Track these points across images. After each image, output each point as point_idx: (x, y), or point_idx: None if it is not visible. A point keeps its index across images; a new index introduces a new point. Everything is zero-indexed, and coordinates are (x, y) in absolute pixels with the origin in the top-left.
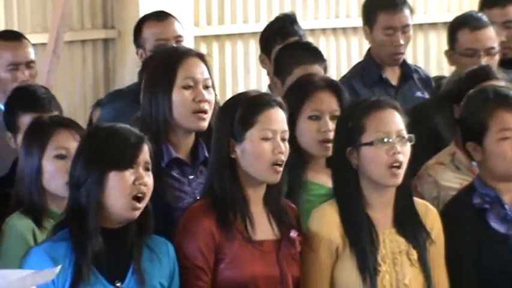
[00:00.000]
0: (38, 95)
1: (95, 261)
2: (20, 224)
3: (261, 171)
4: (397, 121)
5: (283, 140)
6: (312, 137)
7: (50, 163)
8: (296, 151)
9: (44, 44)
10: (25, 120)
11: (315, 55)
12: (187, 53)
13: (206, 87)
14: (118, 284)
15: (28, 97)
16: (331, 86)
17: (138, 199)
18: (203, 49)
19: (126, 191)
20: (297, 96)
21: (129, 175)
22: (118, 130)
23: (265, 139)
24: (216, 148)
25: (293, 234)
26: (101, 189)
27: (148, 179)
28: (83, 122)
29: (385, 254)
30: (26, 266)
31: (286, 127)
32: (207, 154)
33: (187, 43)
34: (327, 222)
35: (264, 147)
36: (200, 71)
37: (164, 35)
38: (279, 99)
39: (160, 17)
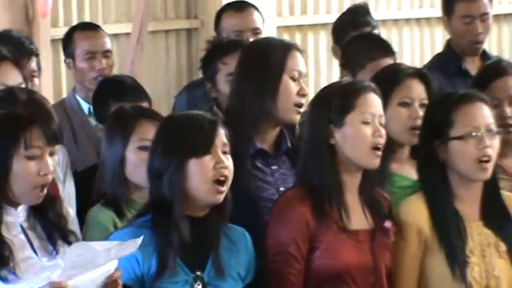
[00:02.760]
0: (128, 85)
1: (178, 249)
2: (101, 215)
3: (362, 155)
4: (485, 114)
5: (381, 124)
6: (401, 124)
7: (133, 154)
8: None
9: (127, 34)
10: None
11: (385, 49)
12: (291, 46)
13: (304, 83)
14: (198, 273)
15: (118, 87)
16: (420, 74)
17: (220, 183)
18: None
19: (207, 176)
20: (385, 84)
21: (208, 160)
22: (192, 117)
23: (365, 122)
24: (314, 136)
25: (387, 224)
26: (183, 178)
27: (228, 161)
28: (166, 112)
29: (473, 247)
30: None
31: (382, 112)
32: (289, 145)
33: (270, 33)
34: (416, 214)
35: (364, 131)
36: (302, 65)
37: (241, 27)
38: (373, 84)
39: (240, 7)
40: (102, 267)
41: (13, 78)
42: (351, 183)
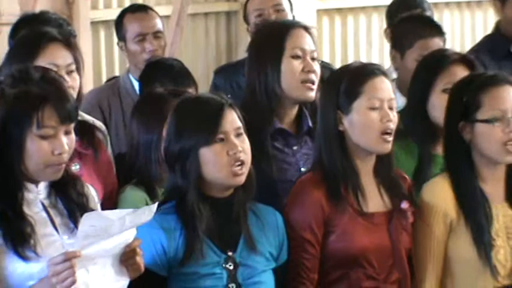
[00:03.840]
0: (176, 69)
1: (206, 231)
2: (133, 195)
3: (371, 141)
4: None
5: (390, 108)
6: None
7: None
8: (427, 125)
9: (167, 17)
10: None
11: (434, 28)
12: (293, 24)
13: (313, 58)
14: (230, 253)
15: (165, 71)
16: (464, 59)
17: (238, 166)
18: (325, 23)
19: (222, 163)
20: (429, 70)
21: (220, 147)
22: (199, 101)
23: (373, 108)
24: (323, 121)
25: (404, 205)
26: (196, 166)
27: (243, 144)
28: None
29: (499, 229)
30: (138, 235)
31: (392, 95)
32: (310, 124)
33: (310, 17)
34: (441, 195)
35: (372, 117)
36: (307, 42)
37: (261, 5)
38: (383, 67)
39: None
40: (119, 236)
41: (62, 58)
42: (365, 166)
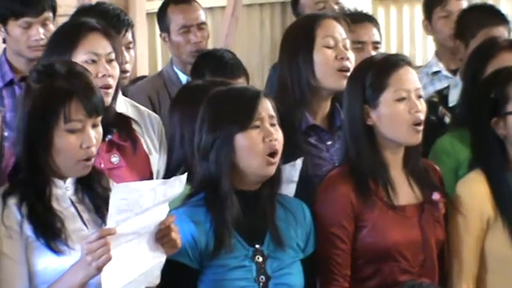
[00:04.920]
0: (226, 60)
1: (234, 224)
2: None
3: (401, 133)
4: None
5: (418, 97)
6: None
7: None
8: None
9: (223, 7)
10: None
11: (498, 17)
12: (324, 15)
13: (345, 47)
14: (257, 246)
15: (216, 62)
16: None
17: (271, 155)
18: (380, 12)
19: (257, 150)
20: (480, 58)
21: (256, 134)
22: (234, 91)
23: (400, 100)
24: (350, 116)
25: (435, 196)
26: (231, 153)
27: (277, 133)
28: (260, 85)
29: None
30: None
31: (419, 84)
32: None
33: (365, 6)
34: (476, 193)
35: (400, 109)
36: (338, 31)
37: None
38: (407, 57)
39: None
40: (152, 213)
41: (102, 47)
42: (394, 159)
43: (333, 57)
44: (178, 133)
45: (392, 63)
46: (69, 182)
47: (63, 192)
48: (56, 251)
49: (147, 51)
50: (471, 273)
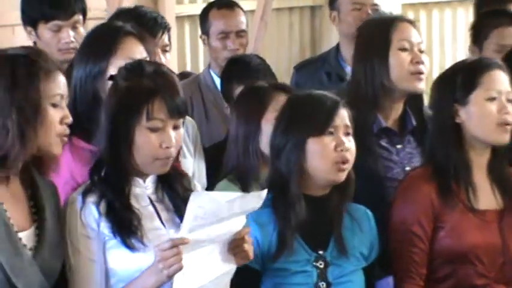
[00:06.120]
0: (253, 65)
1: (298, 228)
2: (228, 190)
3: (488, 132)
4: None
5: (508, 101)
6: None
7: (270, 125)
8: None
9: (252, 11)
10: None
11: (508, 17)
12: (399, 18)
13: (420, 51)
14: (320, 252)
15: (243, 68)
16: None
17: (341, 163)
18: (410, 17)
19: (327, 157)
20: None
21: (328, 141)
22: (314, 96)
23: (491, 99)
24: (439, 115)
25: None
26: (301, 156)
27: (350, 144)
28: None
29: None
30: None
31: (509, 88)
32: (414, 123)
33: (395, 11)
34: None
35: (489, 108)
36: (414, 35)
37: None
38: (500, 62)
39: None
40: (228, 223)
41: (139, 52)
42: (479, 161)
43: (408, 61)
44: (234, 132)
45: (486, 64)
46: (149, 180)
47: (142, 191)
48: (131, 248)
49: (176, 56)
50: None
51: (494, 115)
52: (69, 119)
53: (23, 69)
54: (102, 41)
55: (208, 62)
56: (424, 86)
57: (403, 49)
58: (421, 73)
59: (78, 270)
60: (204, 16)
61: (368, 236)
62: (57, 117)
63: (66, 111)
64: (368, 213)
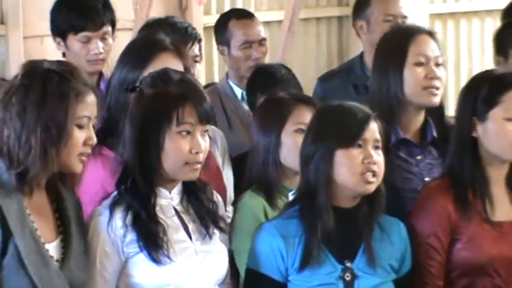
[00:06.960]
0: (278, 76)
1: (325, 240)
2: (252, 202)
3: (505, 151)
4: None
5: None
6: None
7: (289, 138)
8: None
9: (279, 22)
10: None
11: None
12: (418, 31)
13: (437, 64)
14: (348, 264)
15: (268, 78)
16: None
17: (369, 175)
18: (438, 27)
19: (355, 169)
20: None
21: (356, 153)
22: (346, 108)
23: (509, 119)
24: (458, 126)
25: None
26: (329, 166)
27: (378, 157)
28: None
29: None
30: (258, 241)
31: None
32: (435, 134)
33: (423, 21)
34: None
35: (507, 128)
36: (431, 49)
37: (391, 11)
38: None
39: None
40: None
41: (174, 66)
42: (497, 174)
43: (423, 76)
44: (255, 143)
45: (509, 81)
46: (175, 192)
47: (168, 202)
48: (157, 261)
49: (204, 66)
50: None
51: (511, 135)
52: (94, 140)
53: (54, 87)
54: (139, 53)
55: (226, 72)
56: (438, 100)
57: (419, 63)
58: (435, 88)
59: (89, 284)
60: (223, 27)
61: (398, 248)
62: (82, 138)
63: (91, 133)
64: (400, 224)
